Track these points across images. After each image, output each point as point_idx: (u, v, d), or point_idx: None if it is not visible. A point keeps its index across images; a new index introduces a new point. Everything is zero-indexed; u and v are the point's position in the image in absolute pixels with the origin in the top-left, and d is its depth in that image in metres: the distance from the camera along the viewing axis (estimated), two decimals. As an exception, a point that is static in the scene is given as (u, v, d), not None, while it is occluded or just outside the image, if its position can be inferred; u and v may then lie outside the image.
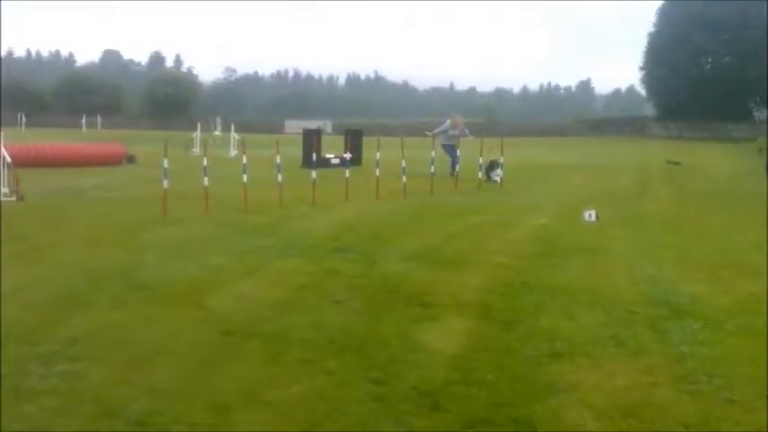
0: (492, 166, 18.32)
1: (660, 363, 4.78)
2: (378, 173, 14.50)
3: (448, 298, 6.37)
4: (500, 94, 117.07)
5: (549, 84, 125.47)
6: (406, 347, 5.00)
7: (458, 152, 18.51)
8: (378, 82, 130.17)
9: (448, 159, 19.33)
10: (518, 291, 6.65)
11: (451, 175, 17.84)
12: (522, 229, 10.65)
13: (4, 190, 12.99)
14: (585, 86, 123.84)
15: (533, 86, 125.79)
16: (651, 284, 6.98)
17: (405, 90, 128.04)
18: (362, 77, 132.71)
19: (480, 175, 17.07)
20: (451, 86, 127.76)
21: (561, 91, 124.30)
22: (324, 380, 4.37)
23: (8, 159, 13.20)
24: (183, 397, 4.04)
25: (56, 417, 3.75)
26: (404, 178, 14.94)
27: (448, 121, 20.28)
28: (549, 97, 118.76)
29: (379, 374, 4.46)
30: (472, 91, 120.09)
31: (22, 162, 15.26)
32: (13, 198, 12.73)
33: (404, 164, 15.10)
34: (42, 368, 4.43)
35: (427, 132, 20.43)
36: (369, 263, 7.81)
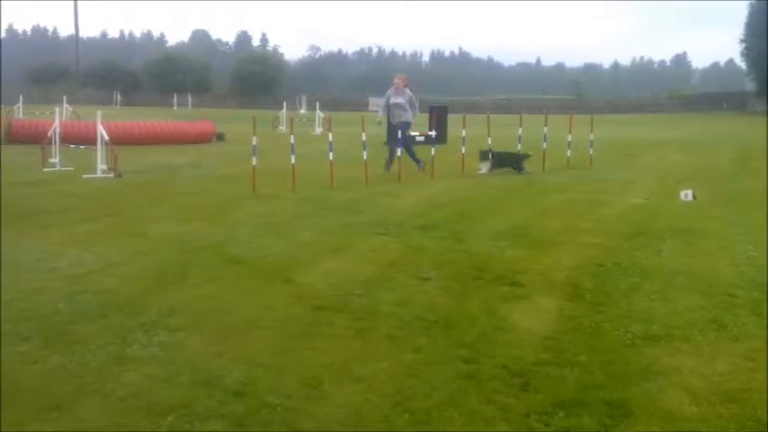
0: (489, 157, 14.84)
1: (763, 348, 4.56)
2: (463, 150, 14.37)
3: (537, 277, 6.26)
4: (589, 70, 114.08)
5: (642, 58, 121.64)
6: (494, 326, 4.95)
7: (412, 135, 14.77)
8: (462, 58, 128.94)
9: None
10: (610, 271, 6.48)
11: (419, 167, 14.50)
12: (615, 207, 10.36)
13: (103, 167, 13.57)
14: (681, 60, 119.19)
15: (625, 61, 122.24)
16: (752, 267, 6.66)
17: (489, 66, 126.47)
18: (446, 54, 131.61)
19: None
20: (538, 62, 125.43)
21: (655, 65, 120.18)
22: (412, 356, 4.37)
23: (106, 137, 13.77)
24: (276, 369, 4.13)
25: (156, 384, 3.89)
26: (490, 156, 14.75)
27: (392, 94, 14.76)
28: (642, 72, 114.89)
29: (467, 352, 4.43)
30: (560, 66, 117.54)
31: (119, 140, 15.89)
32: (111, 175, 13.28)
33: (490, 141, 14.91)
34: (143, 337, 4.61)
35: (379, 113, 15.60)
36: (456, 241, 7.77)
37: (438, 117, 19.60)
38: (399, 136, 13.67)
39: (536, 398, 3.82)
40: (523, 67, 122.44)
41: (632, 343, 4.68)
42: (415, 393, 3.83)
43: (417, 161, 14.45)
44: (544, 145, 15.93)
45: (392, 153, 14.06)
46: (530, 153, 15.35)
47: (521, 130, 15.59)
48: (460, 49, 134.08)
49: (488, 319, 5.09)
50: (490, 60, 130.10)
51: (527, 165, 15.04)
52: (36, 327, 4.75)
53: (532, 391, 3.91)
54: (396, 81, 14.36)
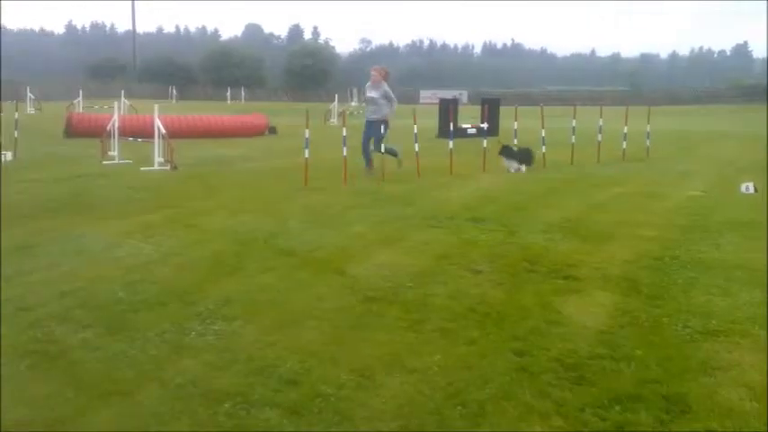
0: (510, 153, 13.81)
1: (827, 345, 4.42)
2: (515, 143, 14.23)
3: (592, 271, 6.18)
4: (646, 60, 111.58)
5: (701, 48, 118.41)
6: (548, 319, 4.91)
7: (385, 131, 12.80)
8: (515, 50, 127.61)
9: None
10: (668, 265, 6.35)
11: (367, 168, 12.99)
12: (672, 200, 10.15)
13: (160, 160, 13.87)
14: (742, 50, 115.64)
15: (683, 51, 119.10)
16: (817, 262, 6.45)
17: (543, 57, 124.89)
18: (499, 46, 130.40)
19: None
20: (593, 53, 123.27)
21: (714, 55, 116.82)
22: (465, 349, 4.36)
23: (163, 131, 14.06)
24: (329, 359, 4.17)
25: (212, 372, 3.97)
26: (543, 148, 14.60)
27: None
28: (701, 62, 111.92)
29: (521, 345, 4.40)
30: (615, 57, 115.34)
31: (175, 133, 16.20)
32: (168, 167, 13.57)
33: (543, 133, 14.74)
34: (200, 326, 4.71)
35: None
36: (508, 233, 7.72)
37: (490, 109, 19.44)
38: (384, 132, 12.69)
39: (591, 392, 3.78)
40: (578, 58, 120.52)
41: (691, 338, 4.58)
42: (468, 386, 3.83)
43: (368, 161, 13.03)
44: (599, 137, 15.67)
45: (366, 152, 13.04)
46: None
47: (574, 121, 15.34)
48: (513, 40, 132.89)
49: (542, 313, 5.04)
50: (543, 52, 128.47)
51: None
52: (98, 314, 4.90)
53: (587, 385, 3.86)
54: (372, 73, 13.05)
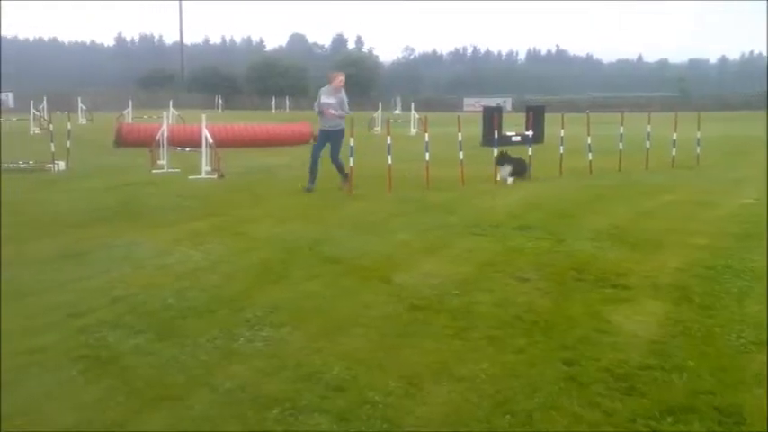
0: (505, 160, 13.03)
1: None
2: (561, 150, 14.09)
3: (642, 280, 6.07)
4: (695, 66, 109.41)
5: (752, 52, 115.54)
6: (597, 329, 4.84)
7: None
8: (559, 56, 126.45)
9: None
10: (720, 274, 6.21)
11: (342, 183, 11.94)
12: (723, 208, 9.92)
13: (207, 168, 14.08)
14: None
15: (733, 55, 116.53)
16: None
17: (588, 64, 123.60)
18: (543, 52, 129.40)
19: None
20: (640, 59, 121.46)
21: (766, 60, 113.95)
22: (513, 357, 4.33)
23: (210, 140, 14.27)
24: (376, 366, 4.18)
25: (261, 378, 4.01)
26: (589, 155, 14.42)
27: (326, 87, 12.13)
28: (753, 67, 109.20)
29: (569, 354, 4.35)
30: (663, 63, 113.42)
31: (221, 143, 16.43)
32: (215, 176, 13.76)
33: (589, 140, 14.56)
34: (248, 332, 4.76)
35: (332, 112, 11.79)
36: (555, 241, 7.63)
37: (535, 117, 19.30)
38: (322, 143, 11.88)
39: (642, 403, 3.71)
40: (624, 64, 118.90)
41: (744, 348, 4.47)
42: (516, 394, 3.79)
43: (344, 175, 11.97)
44: (647, 144, 15.42)
45: (315, 161, 11.87)
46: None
47: (622, 128, 15.12)
48: (558, 47, 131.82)
49: (591, 322, 4.97)
50: (589, 58, 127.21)
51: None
52: (148, 320, 4.99)
53: (638, 396, 3.79)
54: (339, 78, 11.92)
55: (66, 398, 3.75)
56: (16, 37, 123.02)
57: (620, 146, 15.01)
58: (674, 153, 15.74)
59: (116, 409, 3.62)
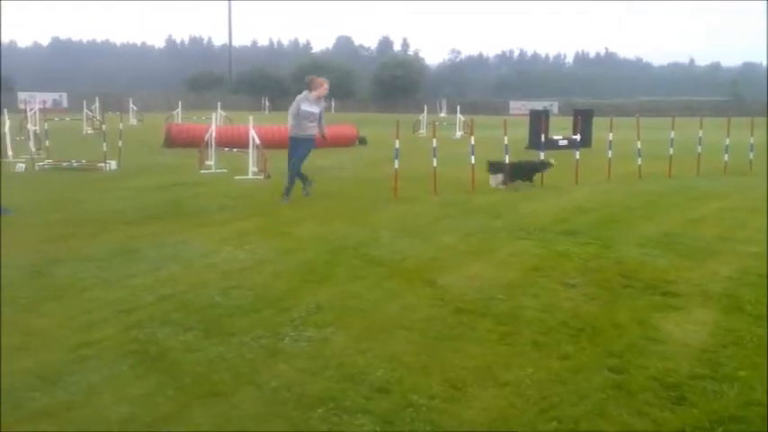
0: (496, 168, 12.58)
1: None
2: (609, 154, 13.89)
3: (692, 287, 5.95)
4: (749, 69, 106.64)
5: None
6: (645, 336, 4.76)
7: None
8: (608, 59, 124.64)
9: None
10: (774, 283, 6.04)
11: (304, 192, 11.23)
12: (777, 215, 9.64)
13: (254, 169, 14.24)
14: None
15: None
16: None
17: (638, 67, 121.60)
18: (591, 55, 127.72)
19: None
20: (691, 62, 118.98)
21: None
22: (559, 363, 4.28)
23: (257, 141, 14.44)
24: (420, 369, 4.17)
25: (305, 377, 4.04)
26: (639, 160, 14.19)
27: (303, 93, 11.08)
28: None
29: (617, 362, 4.29)
30: (715, 66, 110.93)
31: (267, 144, 16.57)
32: (261, 176, 13.91)
33: (639, 145, 14.33)
34: (293, 332, 4.80)
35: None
36: (602, 247, 7.53)
37: (583, 120, 19.05)
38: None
39: (692, 413, 3.64)
40: (675, 67, 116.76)
41: (800, 360, 4.35)
42: (562, 401, 3.75)
43: (303, 181, 11.40)
44: (699, 149, 15.10)
45: (293, 178, 11.10)
46: (551, 162, 12.93)
47: (673, 133, 14.84)
48: (607, 49, 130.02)
49: (639, 329, 4.89)
50: (638, 61, 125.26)
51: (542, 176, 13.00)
52: (196, 318, 5.07)
53: (688, 406, 3.72)
54: (325, 85, 11.12)
55: (116, 392, 3.82)
56: (70, 39, 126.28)
57: (671, 150, 14.74)
58: (726, 158, 15.39)
59: (165, 404, 3.68)
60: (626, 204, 10.65)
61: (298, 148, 11.04)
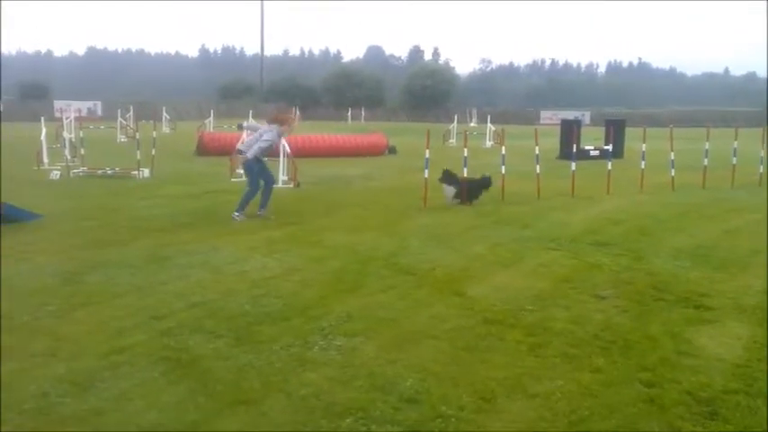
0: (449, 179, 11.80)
1: None
2: (642, 165, 13.74)
3: (726, 301, 5.86)
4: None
5: None
6: (678, 350, 4.69)
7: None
8: (641, 69, 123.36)
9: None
10: (811, 298, 5.92)
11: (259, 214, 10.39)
12: (815, 229, 9.45)
13: (284, 178, 14.33)
14: None
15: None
16: None
17: (671, 76, 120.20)
18: (624, 64, 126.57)
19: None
20: (726, 71, 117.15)
21: None
22: (589, 376, 4.23)
23: (288, 150, 14.53)
24: (449, 379, 4.15)
25: (334, 386, 4.04)
26: (672, 171, 14.01)
27: (266, 126, 10.95)
28: None
29: (649, 376, 4.23)
30: (751, 76, 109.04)
31: (298, 152, 16.70)
32: (291, 185, 13.99)
33: (672, 156, 14.15)
34: (322, 341, 4.81)
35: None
36: (634, 258, 7.44)
37: (615, 131, 18.89)
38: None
39: (725, 428, 3.58)
40: (709, 77, 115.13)
41: (837, 377, 4.25)
42: (593, 414, 3.71)
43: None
44: (734, 160, 14.88)
45: (254, 190, 10.53)
46: (490, 177, 12.14)
47: (707, 144, 14.64)
48: (640, 59, 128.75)
49: (672, 343, 4.82)
50: (672, 70, 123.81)
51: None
52: (226, 325, 5.10)
53: (721, 421, 3.66)
54: (295, 123, 11.62)
55: (148, 398, 3.86)
56: (106, 48, 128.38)
57: (705, 161, 14.53)
58: (761, 170, 15.13)
59: (196, 411, 3.71)
60: (658, 216, 10.52)
61: (255, 173, 10.51)
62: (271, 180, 10.87)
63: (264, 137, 10.48)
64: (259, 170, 10.55)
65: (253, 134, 10.96)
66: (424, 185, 11.49)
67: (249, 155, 10.37)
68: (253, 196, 10.52)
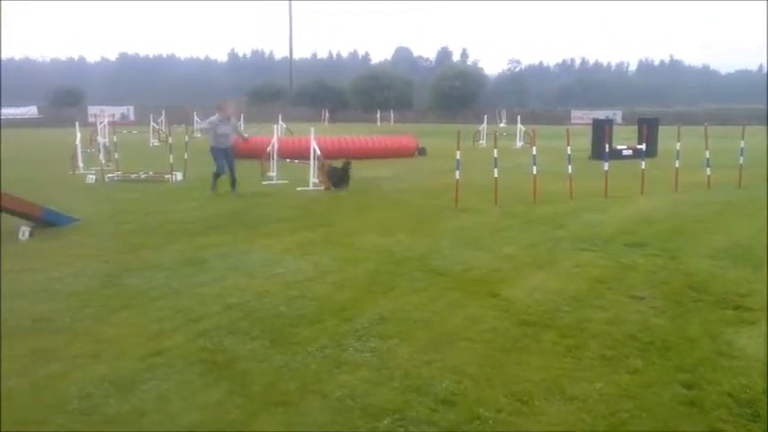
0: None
1: None
2: (677, 164, 13.56)
3: (765, 301, 5.75)
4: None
5: None
6: (718, 351, 4.62)
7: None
8: (673, 67, 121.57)
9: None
10: None
11: (212, 188, 13.65)
12: None
13: (314, 180, 14.39)
14: None
15: None
16: None
17: (704, 74, 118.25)
18: (656, 63, 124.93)
19: None
20: (760, 69, 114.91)
21: None
22: (627, 378, 4.19)
23: (318, 152, 14.59)
24: (485, 381, 4.14)
25: (370, 388, 4.05)
26: (707, 170, 13.81)
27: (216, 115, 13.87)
28: None
29: (688, 377, 4.18)
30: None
31: (327, 155, 16.74)
32: (322, 187, 14.04)
33: (707, 154, 13.95)
34: (357, 342, 4.82)
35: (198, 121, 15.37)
36: (670, 259, 7.35)
37: (648, 130, 18.65)
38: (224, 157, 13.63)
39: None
40: (743, 74, 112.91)
41: None
42: (632, 417, 3.67)
43: (233, 182, 13.79)
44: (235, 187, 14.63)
45: (219, 172, 13.70)
46: (349, 162, 14.57)
47: (743, 142, 14.41)
48: (671, 57, 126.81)
49: (711, 344, 4.76)
50: (705, 68, 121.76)
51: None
52: (261, 327, 5.14)
53: (763, 423, 3.61)
54: (230, 108, 14.02)
55: (187, 399, 3.91)
56: (137, 54, 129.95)
57: (741, 160, 14.30)
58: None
59: (234, 411, 3.75)
60: (694, 215, 10.37)
61: (225, 155, 13.63)
62: (231, 165, 13.68)
63: (220, 130, 13.47)
64: (223, 155, 13.55)
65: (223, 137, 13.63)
66: (455, 187, 11.47)
67: (211, 142, 13.70)
68: (216, 176, 13.62)
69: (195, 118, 40.47)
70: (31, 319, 5.37)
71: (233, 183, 13.74)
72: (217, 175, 13.68)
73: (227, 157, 13.68)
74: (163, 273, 6.84)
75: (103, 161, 17.36)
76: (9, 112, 53.65)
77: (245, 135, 14.97)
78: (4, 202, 8.60)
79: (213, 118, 13.77)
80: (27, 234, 8.67)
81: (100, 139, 19.54)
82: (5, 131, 40.18)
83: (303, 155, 15.93)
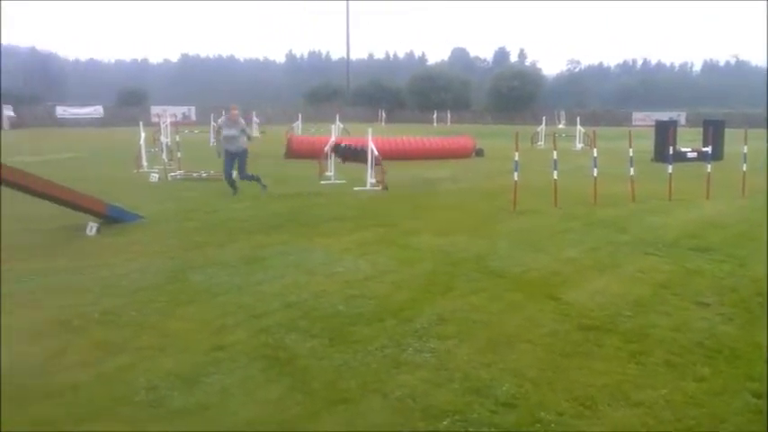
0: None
1: None
2: (744, 168, 13.16)
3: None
4: None
5: None
6: (790, 361, 4.47)
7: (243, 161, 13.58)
8: (739, 67, 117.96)
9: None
10: None
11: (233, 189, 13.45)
12: None
13: (372, 180, 14.44)
14: None
15: None
16: None
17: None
18: (721, 63, 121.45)
19: None
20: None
21: None
22: (694, 385, 4.09)
23: (375, 153, 14.64)
24: (546, 384, 4.09)
25: (430, 388, 4.05)
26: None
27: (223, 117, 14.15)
28: None
29: (758, 386, 4.06)
30: None
31: (384, 155, 16.77)
32: (379, 188, 14.08)
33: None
34: (416, 343, 4.82)
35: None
36: (737, 264, 7.15)
37: (714, 132, 18.16)
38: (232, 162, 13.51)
39: None
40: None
41: None
42: (700, 424, 3.58)
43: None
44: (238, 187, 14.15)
45: (225, 177, 13.63)
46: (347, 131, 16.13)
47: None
48: (737, 57, 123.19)
49: (782, 353, 4.60)
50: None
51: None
52: (321, 325, 5.19)
53: (764, 424, 3.47)
54: (232, 112, 13.73)
55: (249, 394, 3.97)
56: (198, 55, 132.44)
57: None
58: None
59: (294, 408, 3.79)
60: (762, 221, 10.04)
61: (234, 159, 13.47)
62: (240, 168, 13.50)
63: (226, 132, 13.41)
64: (231, 158, 13.44)
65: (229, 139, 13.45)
66: (514, 188, 11.37)
67: (222, 145, 13.59)
68: (229, 182, 13.43)
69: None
70: (98, 313, 5.53)
71: (233, 184, 13.50)
72: (230, 183, 13.50)
73: (238, 159, 13.50)
74: (225, 270, 6.96)
75: (166, 160, 17.75)
76: (76, 111, 55.30)
77: (253, 135, 15.61)
78: (69, 197, 8.90)
79: (220, 120, 14.05)
80: (95, 230, 8.94)
81: (162, 138, 19.97)
82: (73, 131, 41.50)
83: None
